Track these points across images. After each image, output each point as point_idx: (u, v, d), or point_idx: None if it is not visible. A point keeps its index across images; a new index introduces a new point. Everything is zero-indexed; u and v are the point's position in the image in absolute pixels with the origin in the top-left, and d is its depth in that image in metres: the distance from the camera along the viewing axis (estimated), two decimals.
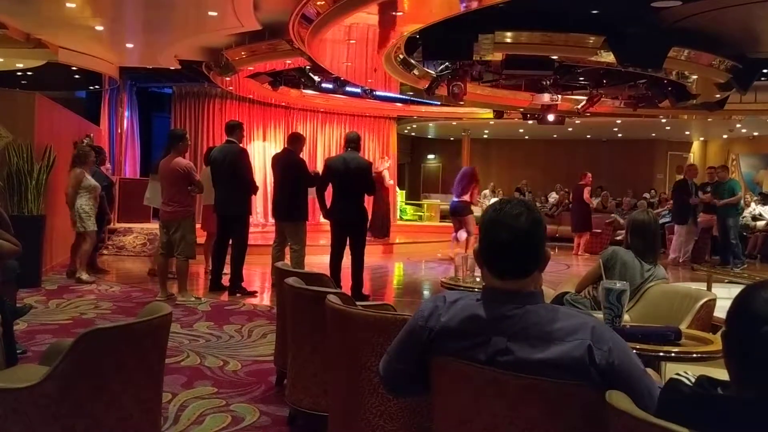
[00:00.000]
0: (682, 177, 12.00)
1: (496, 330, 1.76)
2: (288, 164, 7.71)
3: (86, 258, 8.17)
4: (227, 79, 11.72)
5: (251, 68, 11.15)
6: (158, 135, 14.17)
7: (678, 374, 1.52)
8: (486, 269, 1.85)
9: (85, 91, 14.51)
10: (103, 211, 8.73)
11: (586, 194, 13.27)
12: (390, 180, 13.35)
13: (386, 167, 13.73)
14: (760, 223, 13.35)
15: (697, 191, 11.67)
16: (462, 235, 11.43)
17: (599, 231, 13.95)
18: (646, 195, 18.36)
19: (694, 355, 2.62)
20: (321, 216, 7.54)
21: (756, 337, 1.35)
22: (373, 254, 12.26)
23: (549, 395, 1.70)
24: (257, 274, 8.93)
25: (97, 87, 13.66)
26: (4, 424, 2.25)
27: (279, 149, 11.46)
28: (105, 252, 10.00)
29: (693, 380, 1.48)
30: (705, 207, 11.85)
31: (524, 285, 1.81)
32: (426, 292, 8.78)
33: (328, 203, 7.36)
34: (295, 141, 7.97)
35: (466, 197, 11.50)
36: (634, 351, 1.84)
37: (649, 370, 2.06)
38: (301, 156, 7.89)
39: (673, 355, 2.65)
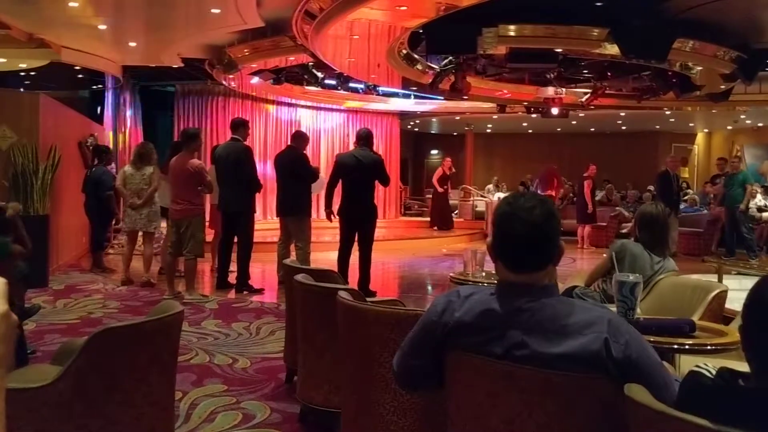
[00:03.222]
0: (664, 169, 11.80)
1: (512, 324, 1.75)
2: (290, 160, 7.71)
3: (152, 260, 8.01)
4: (230, 76, 11.71)
5: (254, 65, 11.15)
6: (162, 133, 14.18)
7: (698, 366, 1.52)
8: (500, 263, 1.84)
9: (89, 91, 14.51)
10: (111, 211, 8.73)
11: (586, 189, 13.24)
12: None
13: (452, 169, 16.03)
14: (766, 215, 13.30)
15: (680, 183, 11.59)
16: None
17: (604, 224, 13.91)
18: (650, 187, 18.31)
19: (709, 347, 2.61)
20: (325, 213, 7.51)
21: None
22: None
23: (566, 389, 1.69)
24: (263, 272, 8.93)
25: (100, 86, 13.66)
26: (18, 424, 2.24)
27: (282, 147, 11.44)
28: (111, 251, 10.01)
29: (713, 372, 1.47)
30: (715, 198, 11.79)
31: (539, 278, 1.80)
32: (429, 287, 8.77)
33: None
34: (298, 138, 7.99)
35: (549, 191, 12.87)
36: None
37: (664, 363, 2.05)
38: (303, 152, 7.90)
39: (687, 347, 2.63)
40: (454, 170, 15.99)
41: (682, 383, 1.55)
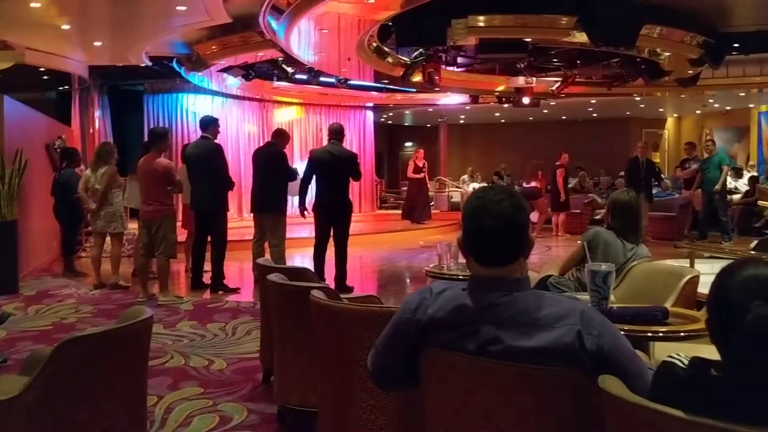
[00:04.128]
0: (634, 155, 11.87)
1: (485, 319, 1.74)
2: (269, 156, 7.66)
3: (119, 262, 7.94)
4: (199, 74, 11.58)
5: (223, 62, 11.02)
6: (131, 133, 13.96)
7: (671, 356, 1.51)
8: (471, 258, 1.83)
9: (55, 92, 14.26)
10: (80, 213, 8.58)
11: (558, 177, 13.34)
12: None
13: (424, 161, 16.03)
14: (736, 197, 13.48)
15: (655, 168, 11.74)
16: (534, 216, 12.77)
17: (578, 211, 14.02)
18: (623, 173, 18.46)
19: (682, 334, 2.62)
20: (298, 210, 7.44)
21: (738, 325, 1.34)
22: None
23: (541, 383, 1.68)
24: (239, 270, 8.85)
25: (66, 87, 13.42)
26: None
27: (254, 143, 11.36)
28: (83, 254, 9.86)
29: (686, 362, 1.46)
30: (685, 182, 11.92)
31: (510, 272, 1.78)
32: (407, 281, 8.77)
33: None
34: (279, 136, 7.97)
35: (534, 183, 13.38)
36: (623, 332, 1.83)
37: (638, 351, 2.05)
38: (283, 150, 7.86)
39: (661, 335, 2.65)
40: (425, 162, 15.88)
41: (655, 374, 1.55)
